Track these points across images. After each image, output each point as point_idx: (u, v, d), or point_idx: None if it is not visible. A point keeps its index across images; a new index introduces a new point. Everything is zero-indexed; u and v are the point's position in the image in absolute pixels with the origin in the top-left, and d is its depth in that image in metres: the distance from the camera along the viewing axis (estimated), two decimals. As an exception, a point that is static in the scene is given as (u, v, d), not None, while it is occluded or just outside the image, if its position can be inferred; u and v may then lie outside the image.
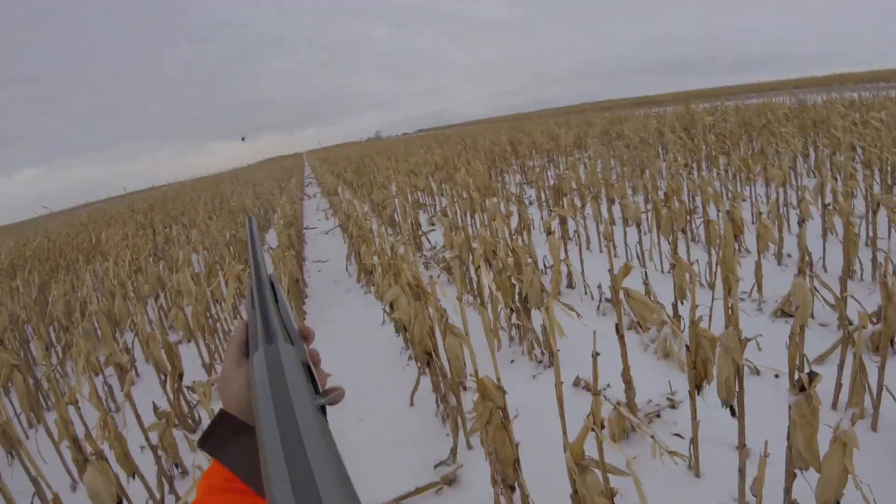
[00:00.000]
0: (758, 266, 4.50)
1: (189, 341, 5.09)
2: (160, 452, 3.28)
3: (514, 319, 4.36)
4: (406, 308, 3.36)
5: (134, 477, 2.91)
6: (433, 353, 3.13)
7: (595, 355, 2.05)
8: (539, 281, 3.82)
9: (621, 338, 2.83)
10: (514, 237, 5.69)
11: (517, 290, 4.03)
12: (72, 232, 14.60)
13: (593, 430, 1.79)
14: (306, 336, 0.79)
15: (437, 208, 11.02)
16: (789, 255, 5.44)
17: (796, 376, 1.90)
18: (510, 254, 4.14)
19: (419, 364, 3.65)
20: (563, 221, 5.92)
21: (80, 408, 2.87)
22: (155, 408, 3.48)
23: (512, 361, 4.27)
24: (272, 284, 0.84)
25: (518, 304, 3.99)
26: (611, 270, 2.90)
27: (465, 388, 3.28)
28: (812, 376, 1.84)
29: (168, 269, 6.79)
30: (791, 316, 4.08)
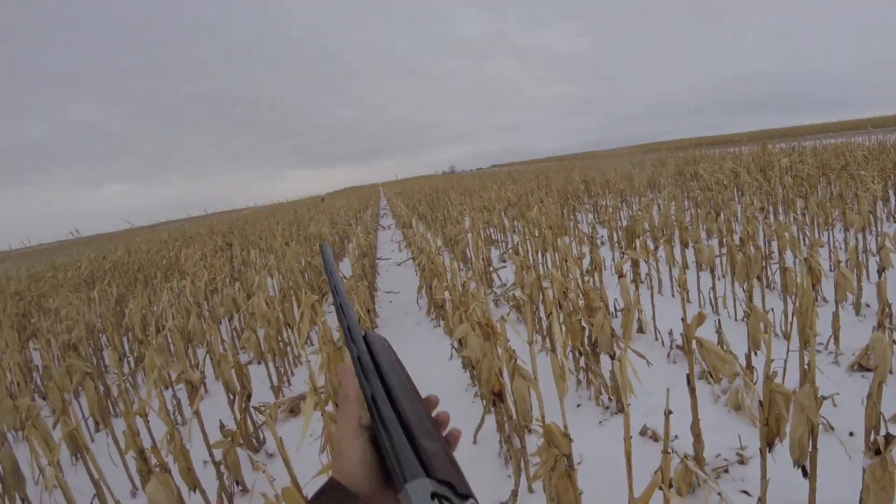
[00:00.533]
0: (835, 316, 4.36)
1: (259, 363, 5.19)
2: (223, 469, 3.36)
3: (582, 363, 4.34)
4: (475, 346, 3.38)
5: (195, 491, 2.97)
6: (500, 393, 3.14)
7: (668, 413, 2.03)
8: (609, 325, 3.80)
9: (692, 390, 2.78)
10: (585, 278, 5.66)
11: (587, 333, 4.01)
12: (152, 248, 15.02)
13: (661, 488, 1.77)
14: (442, 420, 0.77)
15: (509, 245, 11.04)
16: (868, 306, 5.26)
17: (872, 437, 1.85)
18: (581, 296, 4.12)
19: (485, 402, 3.66)
20: (635, 264, 5.87)
21: (148, 420, 2.95)
22: (221, 426, 3.57)
23: (578, 406, 4.24)
24: (368, 345, 0.82)
25: (587, 348, 3.97)
26: (684, 319, 2.87)
27: (529, 432, 3.27)
28: (889, 439, 1.79)
29: (243, 292, 6.93)
30: (869, 370, 3.95)
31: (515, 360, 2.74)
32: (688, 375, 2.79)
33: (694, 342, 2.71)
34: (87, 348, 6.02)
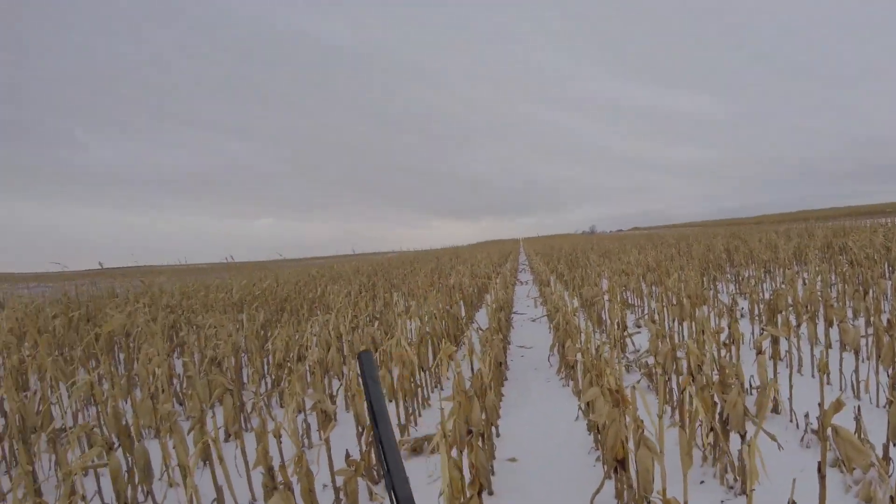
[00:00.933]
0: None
1: (390, 401, 5.38)
2: (341, 496, 3.54)
3: (710, 438, 4.28)
4: (603, 411, 3.44)
5: None
6: (623, 461, 3.18)
7: None
8: (743, 404, 3.76)
9: (822, 478, 2.75)
10: (722, 352, 5.58)
11: (719, 408, 3.97)
12: (300, 281, 15.63)
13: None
14: None
15: (645, 310, 10.93)
16: None
17: None
18: (717, 370, 4.10)
19: (606, 468, 3.70)
20: (775, 340, 5.73)
21: (280, 441, 3.17)
22: (347, 455, 3.77)
23: (702, 482, 4.16)
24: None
25: (718, 425, 3.94)
26: (821, 404, 2.84)
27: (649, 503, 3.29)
28: None
29: (382, 332, 7.18)
30: None
31: (643, 429, 2.80)
32: (819, 463, 2.76)
33: (829, 429, 2.68)
34: (230, 365, 6.44)
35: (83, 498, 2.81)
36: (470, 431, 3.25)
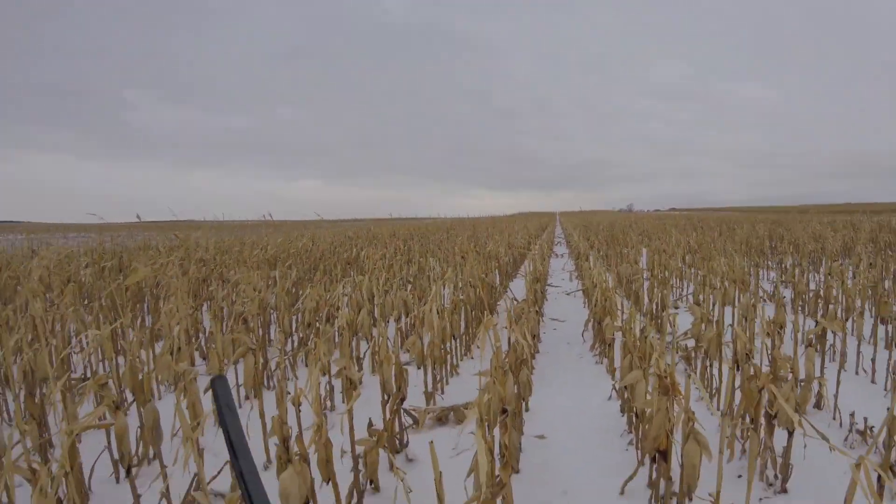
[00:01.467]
0: None
1: (419, 368, 5.21)
2: (360, 467, 3.39)
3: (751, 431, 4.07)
4: (643, 395, 3.24)
5: (328, 483, 3.00)
6: (665, 452, 2.98)
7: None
8: (795, 399, 3.54)
9: (881, 487, 2.55)
10: (768, 341, 5.32)
11: (765, 400, 3.75)
12: (336, 241, 15.53)
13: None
14: None
15: (683, 291, 10.70)
16: None
17: None
18: (769, 360, 3.88)
19: (642, 455, 3.51)
20: (820, 334, 5.47)
21: (300, 410, 3.02)
22: (370, 424, 3.62)
23: (739, 476, 3.94)
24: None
25: (763, 419, 3.72)
26: (890, 409, 2.64)
27: (690, 500, 3.08)
28: None
29: (415, 297, 7.04)
30: None
31: (694, 422, 2.58)
32: (879, 476, 2.55)
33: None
34: (256, 322, 6.34)
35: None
36: (505, 411, 3.06)
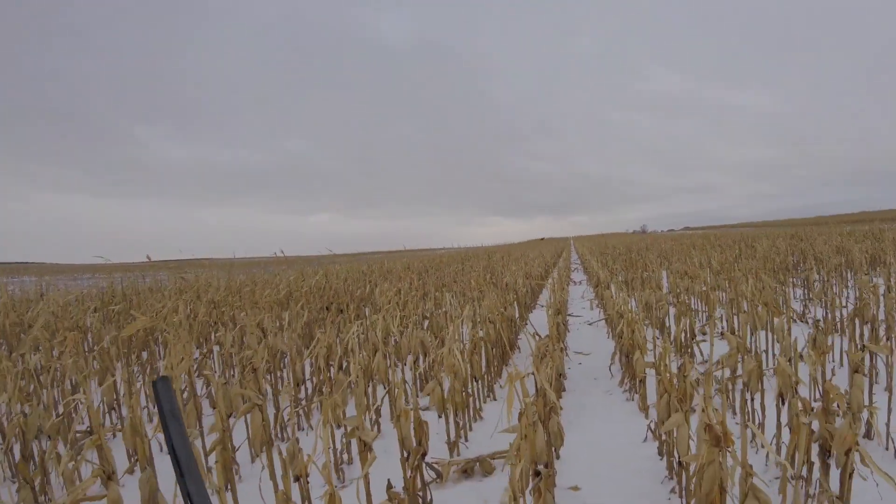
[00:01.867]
0: None
1: (439, 416, 4.90)
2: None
3: (803, 471, 3.75)
4: (686, 440, 2.95)
5: None
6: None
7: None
8: (855, 436, 3.20)
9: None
10: (815, 370, 4.97)
11: (815, 435, 3.43)
12: (349, 278, 15.31)
13: None
14: None
15: (708, 315, 10.39)
16: None
17: None
18: (820, 393, 3.56)
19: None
20: (869, 357, 5.11)
21: (308, 481, 2.76)
22: (389, 486, 3.32)
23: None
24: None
25: (818, 456, 3.39)
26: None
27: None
28: None
29: (433, 336, 6.76)
30: None
31: (752, 476, 2.27)
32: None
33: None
34: (262, 370, 6.05)
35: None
36: (538, 474, 2.76)
